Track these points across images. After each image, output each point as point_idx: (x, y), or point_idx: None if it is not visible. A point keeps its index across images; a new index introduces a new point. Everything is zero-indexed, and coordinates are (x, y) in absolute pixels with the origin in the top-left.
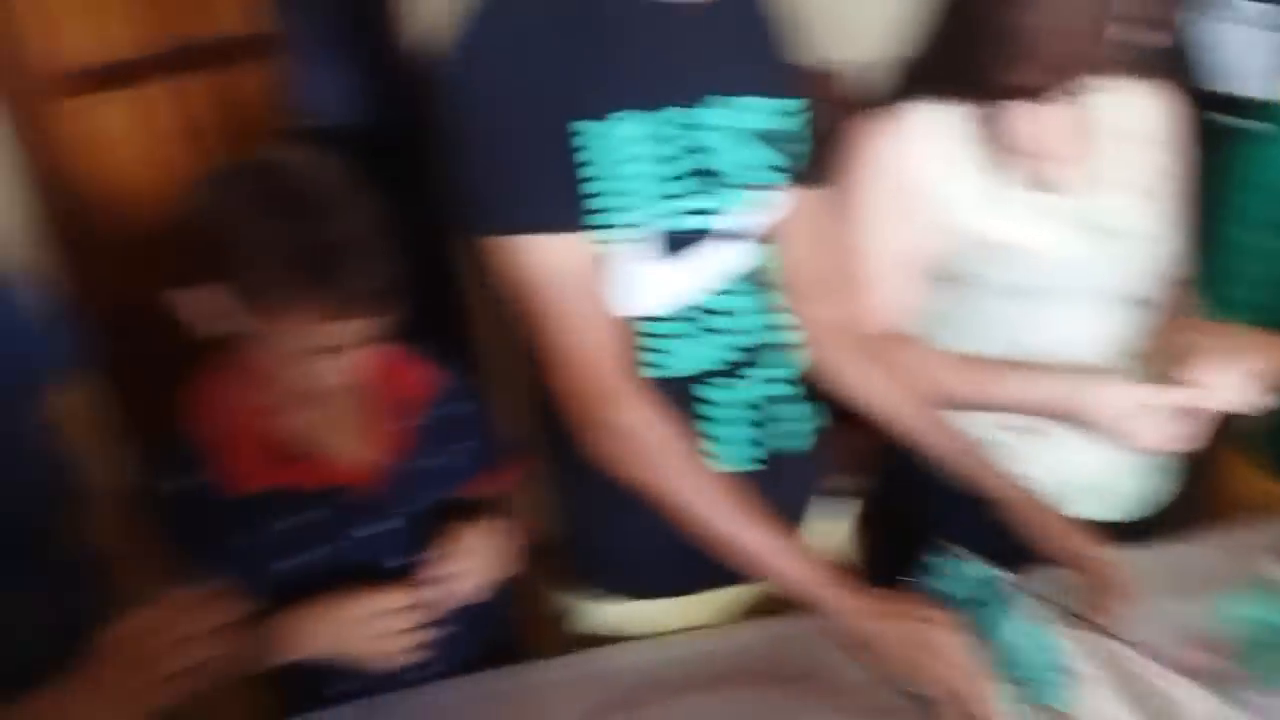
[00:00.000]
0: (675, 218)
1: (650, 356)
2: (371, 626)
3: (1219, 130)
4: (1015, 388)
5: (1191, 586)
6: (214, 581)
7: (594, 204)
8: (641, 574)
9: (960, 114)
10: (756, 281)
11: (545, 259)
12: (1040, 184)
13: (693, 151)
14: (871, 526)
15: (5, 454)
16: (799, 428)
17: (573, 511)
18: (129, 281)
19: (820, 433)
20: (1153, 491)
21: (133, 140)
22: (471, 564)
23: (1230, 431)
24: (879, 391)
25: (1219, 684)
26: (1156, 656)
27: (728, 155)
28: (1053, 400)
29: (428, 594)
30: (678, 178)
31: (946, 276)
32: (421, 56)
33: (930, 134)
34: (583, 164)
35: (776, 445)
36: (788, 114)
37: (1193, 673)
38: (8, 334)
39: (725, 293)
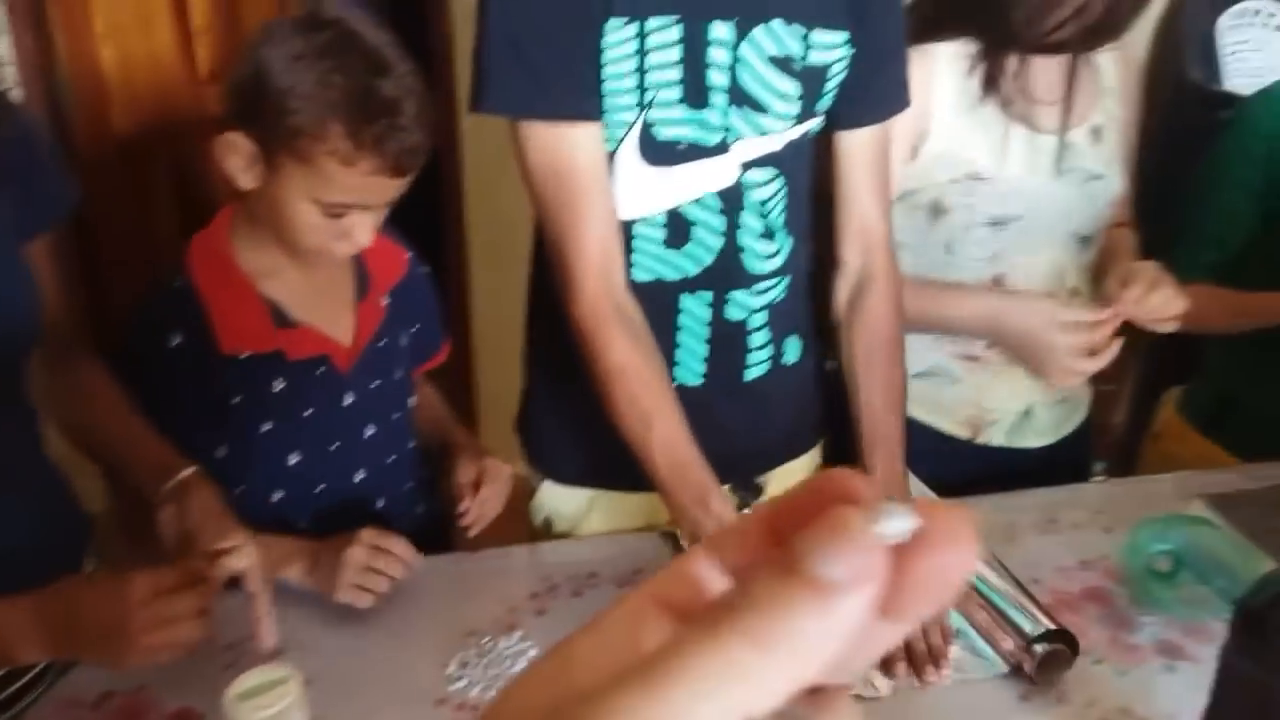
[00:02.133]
0: (672, 126)
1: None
2: (362, 575)
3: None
4: (950, 306)
5: (1100, 521)
6: (189, 437)
7: (603, 102)
8: (586, 461)
9: (970, 55)
10: (745, 204)
11: (559, 147)
12: (1028, 123)
13: (708, 66)
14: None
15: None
16: (758, 356)
17: (531, 394)
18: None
19: (798, 369)
20: (1067, 421)
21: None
22: (496, 490)
23: (1175, 401)
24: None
25: (1106, 607)
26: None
27: (745, 76)
28: (981, 316)
29: (469, 518)
30: (684, 87)
31: (936, 208)
32: None
33: (945, 72)
34: (602, 61)
35: (732, 369)
36: (823, 46)
37: (1078, 591)
38: (31, 173)
39: (706, 208)
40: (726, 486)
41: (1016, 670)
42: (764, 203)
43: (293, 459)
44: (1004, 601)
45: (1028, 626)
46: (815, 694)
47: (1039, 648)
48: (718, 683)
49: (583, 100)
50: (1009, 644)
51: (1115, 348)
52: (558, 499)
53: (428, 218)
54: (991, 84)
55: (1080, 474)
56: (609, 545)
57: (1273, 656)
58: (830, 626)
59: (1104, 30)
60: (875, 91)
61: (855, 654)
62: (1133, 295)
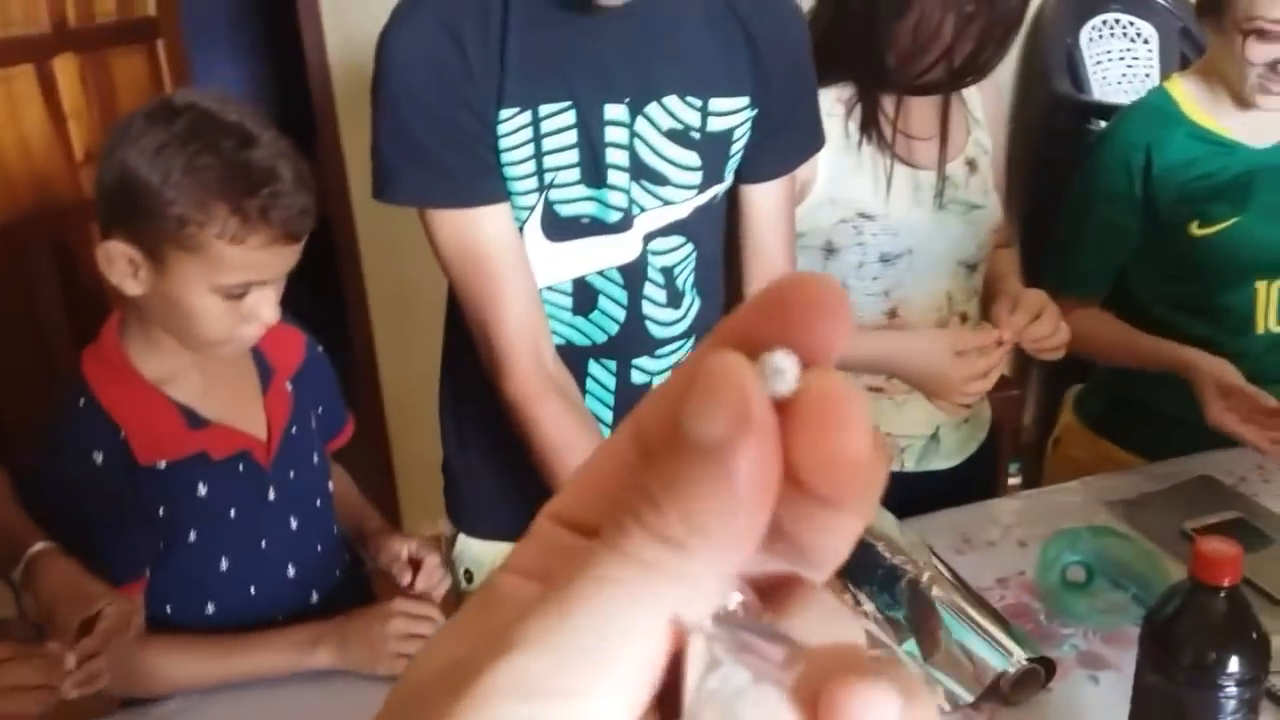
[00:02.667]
0: (573, 204)
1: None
2: (406, 643)
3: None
4: (850, 349)
5: (1013, 536)
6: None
7: (506, 184)
8: (505, 516)
9: (847, 99)
10: (648, 275)
11: (468, 230)
12: (908, 161)
13: (605, 146)
14: None
15: None
16: None
17: (448, 451)
18: None
19: None
20: (972, 439)
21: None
22: (435, 560)
23: (1072, 402)
24: None
25: (1027, 623)
26: (975, 598)
27: (644, 151)
28: (880, 359)
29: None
30: (581, 168)
31: (830, 248)
32: (322, 51)
33: (827, 116)
34: (499, 148)
35: None
36: (723, 113)
37: (1007, 611)
38: None
39: (609, 280)
40: None
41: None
42: (669, 269)
43: (223, 564)
44: (973, 625)
45: (1004, 654)
46: (781, 586)
47: (1014, 670)
48: (634, 590)
49: (484, 183)
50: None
51: (1001, 368)
52: (478, 551)
53: (325, 284)
54: (870, 125)
55: (991, 488)
56: None
57: (1179, 670)
58: (731, 499)
59: (971, 70)
60: (784, 143)
61: (807, 539)
62: (1017, 323)
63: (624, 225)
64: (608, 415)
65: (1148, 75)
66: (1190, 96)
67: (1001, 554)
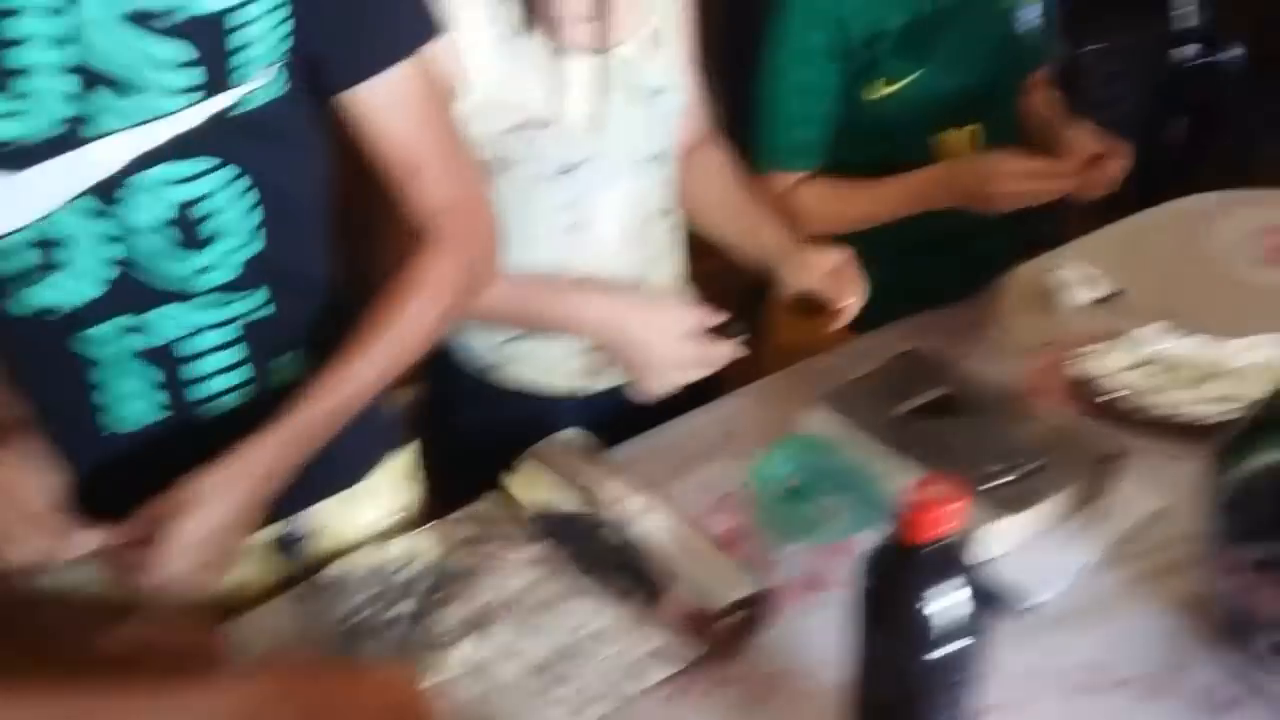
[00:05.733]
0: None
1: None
2: None
3: None
4: (566, 309)
5: (732, 447)
6: None
7: None
8: None
9: None
10: (142, 209)
11: None
12: (578, 47)
13: (61, 43)
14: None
15: None
16: (226, 381)
17: None
18: None
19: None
20: None
21: None
22: None
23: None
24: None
25: (741, 543)
26: (693, 522)
27: (95, 42)
28: (600, 324)
29: None
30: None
31: (500, 164)
32: None
33: (471, 2)
34: None
35: (197, 397)
36: None
37: (719, 535)
38: None
39: (83, 216)
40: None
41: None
42: (189, 205)
43: None
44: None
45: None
46: None
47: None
48: None
49: None
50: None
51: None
52: None
53: None
54: (531, 8)
55: (705, 393)
56: None
57: (896, 633)
58: None
59: None
60: (378, 26)
61: None
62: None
63: (68, 144)
64: (137, 385)
65: None
66: None
67: (719, 471)
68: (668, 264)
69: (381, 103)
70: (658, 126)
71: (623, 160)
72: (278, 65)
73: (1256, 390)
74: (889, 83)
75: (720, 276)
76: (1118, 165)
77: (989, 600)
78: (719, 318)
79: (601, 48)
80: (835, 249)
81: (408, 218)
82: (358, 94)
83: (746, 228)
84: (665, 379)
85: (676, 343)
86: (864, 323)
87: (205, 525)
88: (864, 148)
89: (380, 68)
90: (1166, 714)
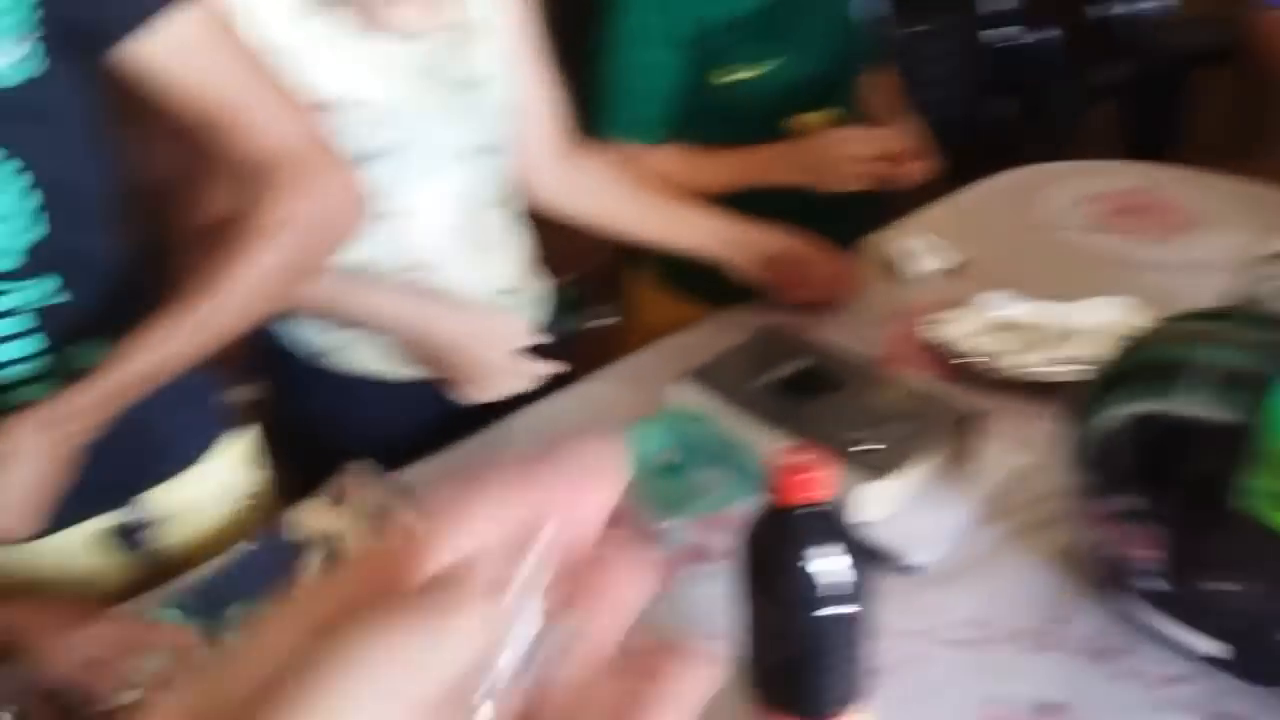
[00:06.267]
0: None
1: None
2: None
3: None
4: (369, 303)
5: (601, 426)
6: None
7: None
8: None
9: None
10: None
11: None
12: (388, 29)
13: None
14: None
15: None
16: (22, 371)
17: None
18: None
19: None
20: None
21: None
22: None
23: (636, 259)
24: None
25: (621, 519)
26: None
27: None
28: (405, 322)
29: None
30: None
31: None
32: None
33: None
34: None
35: None
36: None
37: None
38: None
39: None
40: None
41: None
42: None
43: None
44: None
45: None
46: None
47: None
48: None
49: None
50: None
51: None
52: None
53: None
54: None
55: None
56: None
57: (777, 597)
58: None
59: None
60: None
61: None
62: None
63: None
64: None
65: None
66: None
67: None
68: (504, 254)
69: (164, 55)
70: (482, 118)
71: (444, 151)
72: (31, 38)
73: (1099, 350)
74: (749, 69)
75: (578, 258)
76: (920, 168)
77: (870, 560)
78: (541, 337)
79: (411, 32)
80: (778, 235)
81: (239, 168)
82: (135, 51)
83: (668, 221)
84: (492, 386)
85: (498, 353)
86: (720, 298)
87: (16, 475)
88: (714, 129)
89: (142, 18)
90: (1053, 665)
